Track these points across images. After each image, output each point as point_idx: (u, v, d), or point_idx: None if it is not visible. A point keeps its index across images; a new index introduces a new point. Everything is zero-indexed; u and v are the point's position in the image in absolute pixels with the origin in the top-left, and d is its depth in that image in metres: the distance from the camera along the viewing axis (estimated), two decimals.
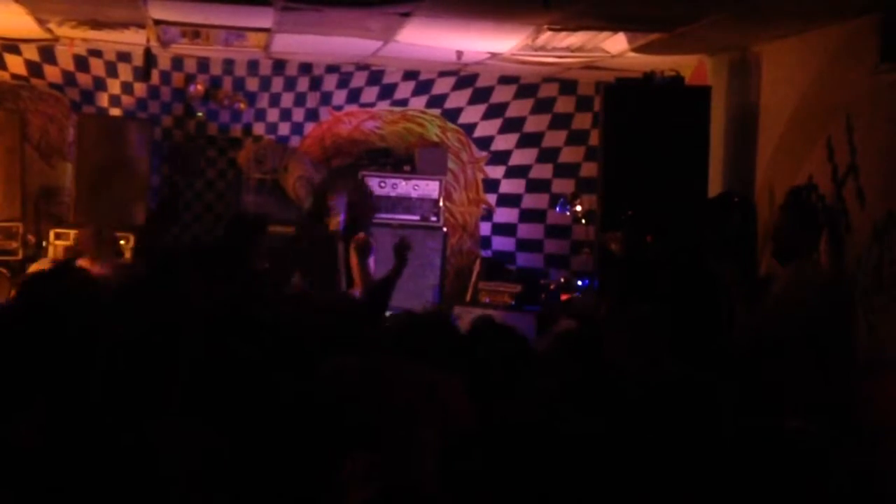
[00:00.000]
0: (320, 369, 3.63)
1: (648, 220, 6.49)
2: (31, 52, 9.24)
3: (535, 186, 9.77)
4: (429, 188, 9.12)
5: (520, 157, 9.79)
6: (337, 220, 7.58)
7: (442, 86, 9.72)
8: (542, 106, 9.76)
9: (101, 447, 2.78)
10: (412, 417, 3.23)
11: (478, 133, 9.79)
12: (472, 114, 9.76)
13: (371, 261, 6.66)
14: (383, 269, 6.28)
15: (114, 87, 9.46)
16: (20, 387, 3.16)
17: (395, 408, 3.32)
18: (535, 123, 9.76)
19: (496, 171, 9.81)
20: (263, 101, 9.64)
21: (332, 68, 9.61)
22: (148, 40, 8.02)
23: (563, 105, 9.76)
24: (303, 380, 3.50)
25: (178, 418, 2.96)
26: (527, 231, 9.77)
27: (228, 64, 9.52)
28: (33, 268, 7.46)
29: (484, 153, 9.81)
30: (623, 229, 6.55)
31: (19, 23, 7.88)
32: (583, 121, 9.71)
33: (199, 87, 9.45)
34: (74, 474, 2.72)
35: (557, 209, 9.00)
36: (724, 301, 5.71)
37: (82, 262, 7.33)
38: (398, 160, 9.36)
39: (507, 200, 9.81)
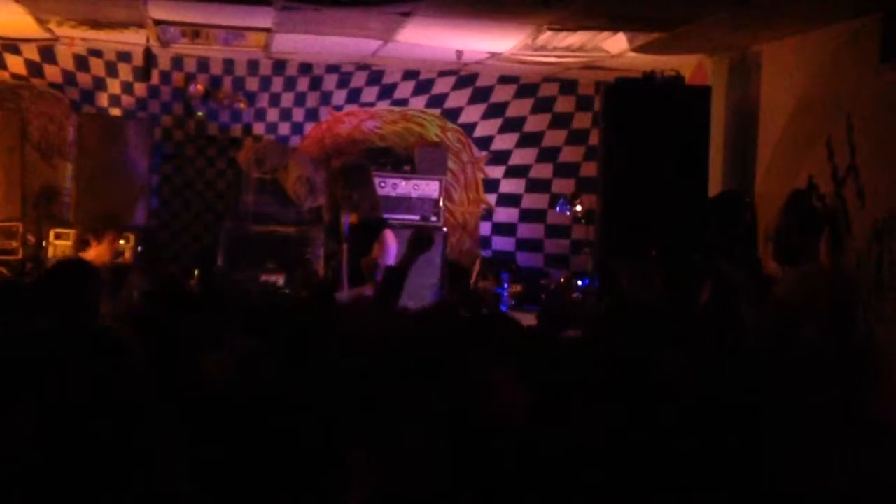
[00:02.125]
0: (318, 369, 3.64)
1: (665, 261, 6.38)
2: (31, 52, 9.24)
3: (535, 186, 9.77)
4: (429, 188, 9.12)
5: (520, 157, 9.79)
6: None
7: (442, 85, 9.72)
8: (542, 106, 9.77)
9: (95, 449, 2.78)
10: (414, 417, 3.23)
11: (478, 133, 9.79)
12: (472, 113, 9.77)
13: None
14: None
15: (114, 86, 9.46)
16: (11, 386, 3.16)
17: (395, 408, 3.32)
18: (535, 123, 9.77)
19: (496, 171, 9.82)
20: (263, 101, 9.64)
21: (332, 68, 9.61)
22: (148, 40, 8.02)
23: (563, 105, 9.76)
24: (302, 380, 3.50)
25: (173, 421, 2.97)
26: (527, 231, 9.77)
27: (228, 64, 9.53)
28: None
29: (484, 153, 9.81)
30: (636, 268, 6.42)
31: (19, 22, 7.88)
32: (583, 120, 9.71)
33: (199, 86, 9.45)
34: (66, 475, 2.72)
35: (557, 209, 8.99)
36: (729, 301, 5.71)
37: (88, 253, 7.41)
38: (398, 160, 9.36)
39: (507, 200, 9.81)
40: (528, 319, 7.62)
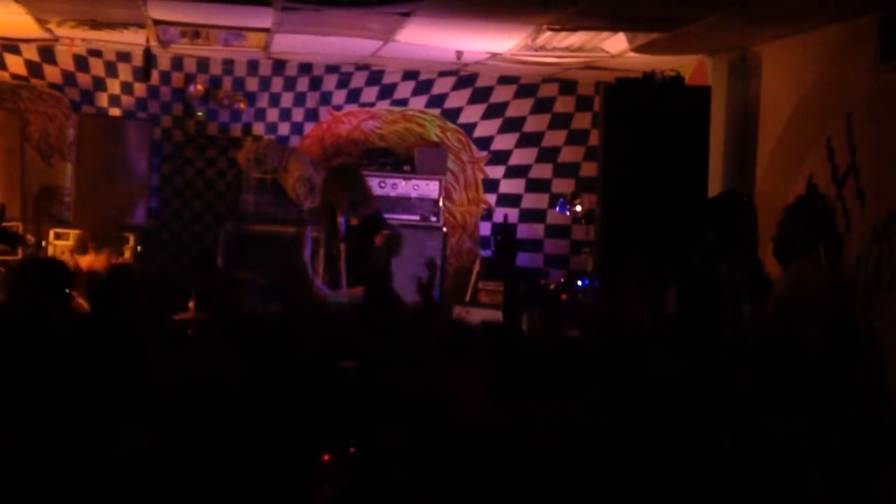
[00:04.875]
0: (293, 371, 3.68)
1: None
2: (31, 52, 9.24)
3: (535, 186, 9.77)
4: (429, 188, 9.13)
5: (520, 157, 9.79)
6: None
7: (442, 86, 9.72)
8: (542, 106, 9.76)
9: (79, 451, 2.79)
10: (386, 417, 3.26)
11: (477, 133, 9.79)
12: (471, 114, 9.76)
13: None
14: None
15: (114, 87, 9.46)
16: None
17: (367, 407, 3.36)
18: (534, 123, 9.76)
19: (496, 171, 9.81)
20: (263, 101, 9.64)
21: (332, 68, 9.61)
22: (148, 40, 8.02)
23: (563, 105, 9.76)
24: (278, 382, 3.54)
25: (152, 421, 2.99)
26: (527, 231, 9.77)
27: (228, 64, 9.52)
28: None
29: (484, 153, 9.81)
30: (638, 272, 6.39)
31: (19, 23, 7.88)
32: (583, 121, 9.71)
33: (199, 87, 9.45)
34: (48, 477, 2.73)
35: (557, 209, 8.99)
36: (730, 301, 5.71)
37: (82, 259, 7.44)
38: (398, 160, 9.37)
39: (507, 200, 9.81)
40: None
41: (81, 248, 7.56)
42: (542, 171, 9.77)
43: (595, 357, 3.88)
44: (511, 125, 9.77)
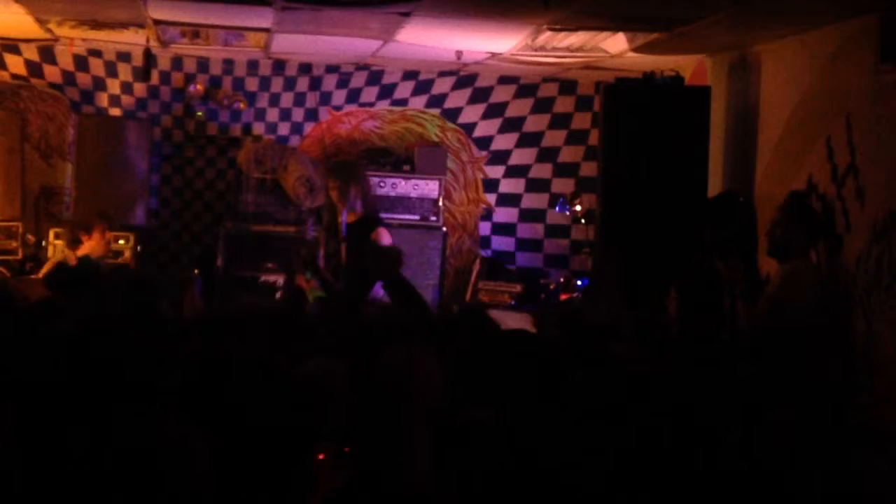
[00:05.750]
0: (292, 370, 3.69)
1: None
2: (31, 52, 9.25)
3: (535, 186, 9.77)
4: (428, 188, 9.12)
5: (519, 157, 9.79)
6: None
7: (442, 86, 9.72)
8: (542, 106, 9.76)
9: (76, 449, 2.78)
10: (382, 412, 3.26)
11: (477, 133, 9.79)
12: (471, 113, 9.77)
13: None
14: None
15: (114, 87, 9.46)
16: None
17: (362, 403, 3.37)
18: (534, 123, 9.76)
19: (496, 171, 9.82)
20: (263, 101, 9.64)
21: (331, 68, 9.62)
22: (148, 40, 8.02)
23: (563, 105, 9.76)
24: (275, 379, 3.55)
25: (164, 416, 2.99)
26: (526, 231, 9.77)
27: (228, 64, 9.53)
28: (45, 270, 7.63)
29: (484, 153, 9.81)
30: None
31: (19, 23, 7.88)
32: (583, 121, 9.71)
33: (199, 86, 9.45)
34: (48, 478, 2.72)
35: (557, 209, 9.00)
36: (727, 299, 5.72)
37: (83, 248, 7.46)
38: (398, 160, 9.37)
39: (507, 200, 9.81)
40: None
41: (73, 242, 7.57)
42: (542, 170, 9.78)
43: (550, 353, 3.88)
44: (511, 125, 9.78)
